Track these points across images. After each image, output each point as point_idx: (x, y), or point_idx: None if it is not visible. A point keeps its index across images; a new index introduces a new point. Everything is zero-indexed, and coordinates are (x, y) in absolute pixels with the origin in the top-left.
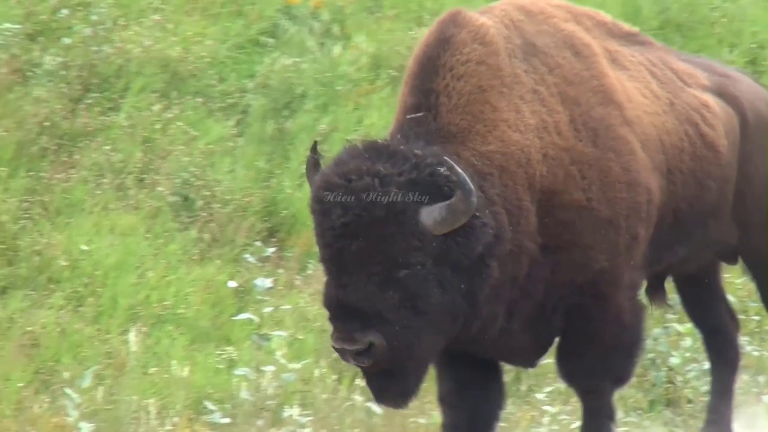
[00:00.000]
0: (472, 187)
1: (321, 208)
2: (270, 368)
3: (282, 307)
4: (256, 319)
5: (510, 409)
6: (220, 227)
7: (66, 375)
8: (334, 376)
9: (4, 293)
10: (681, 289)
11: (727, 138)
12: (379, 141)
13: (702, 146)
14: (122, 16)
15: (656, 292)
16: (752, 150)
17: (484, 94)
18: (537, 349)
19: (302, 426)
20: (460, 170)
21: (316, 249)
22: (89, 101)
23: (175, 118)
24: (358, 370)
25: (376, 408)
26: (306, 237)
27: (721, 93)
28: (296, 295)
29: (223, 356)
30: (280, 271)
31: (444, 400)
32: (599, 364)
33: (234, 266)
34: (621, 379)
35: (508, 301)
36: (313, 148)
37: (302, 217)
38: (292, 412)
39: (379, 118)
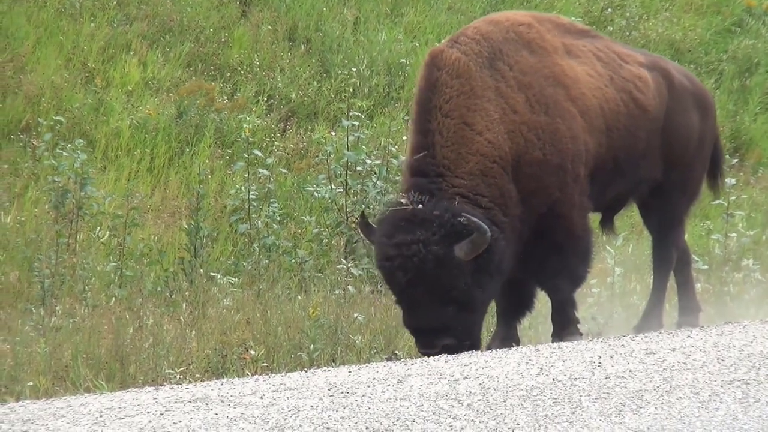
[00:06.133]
0: (484, 225)
1: (387, 272)
2: (733, 235)
3: (741, 196)
4: (724, 203)
5: None
6: None
7: (603, 238)
8: None
9: None
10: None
11: (655, 99)
12: (408, 210)
13: (635, 108)
14: (645, 13)
15: (607, 223)
16: (676, 107)
17: (464, 119)
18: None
19: (753, 271)
20: (473, 218)
21: (765, 159)
22: None
23: None
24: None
25: None
26: (757, 153)
27: (654, 67)
28: (751, 188)
29: (704, 227)
30: (741, 174)
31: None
32: (559, 266)
33: None
34: (576, 278)
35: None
36: (362, 215)
37: (756, 140)
38: (748, 262)
39: None
